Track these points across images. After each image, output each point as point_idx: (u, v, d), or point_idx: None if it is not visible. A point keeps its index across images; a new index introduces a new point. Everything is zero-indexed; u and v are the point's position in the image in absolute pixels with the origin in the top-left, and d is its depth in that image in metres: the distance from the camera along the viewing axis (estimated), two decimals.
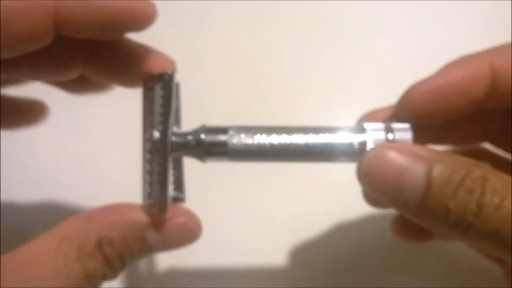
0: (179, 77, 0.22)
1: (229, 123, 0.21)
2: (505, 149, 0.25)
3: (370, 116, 0.24)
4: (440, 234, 0.19)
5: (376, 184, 0.19)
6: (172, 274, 0.28)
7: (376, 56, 0.35)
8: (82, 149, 0.32)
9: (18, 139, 0.31)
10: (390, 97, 0.23)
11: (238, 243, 0.30)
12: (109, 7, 0.19)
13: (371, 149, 0.20)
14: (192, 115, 0.24)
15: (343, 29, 0.36)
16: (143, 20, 0.20)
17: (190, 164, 0.23)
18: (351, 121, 0.25)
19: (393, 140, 0.21)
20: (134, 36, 0.22)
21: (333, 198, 0.30)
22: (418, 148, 0.19)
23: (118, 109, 0.31)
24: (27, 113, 0.28)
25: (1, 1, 0.17)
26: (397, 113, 0.22)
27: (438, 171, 0.18)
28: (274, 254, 0.29)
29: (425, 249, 0.28)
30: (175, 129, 0.22)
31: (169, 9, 0.36)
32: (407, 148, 0.19)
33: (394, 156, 0.19)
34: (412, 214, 0.19)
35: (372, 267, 0.29)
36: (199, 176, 0.25)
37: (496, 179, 0.18)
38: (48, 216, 0.30)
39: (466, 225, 0.18)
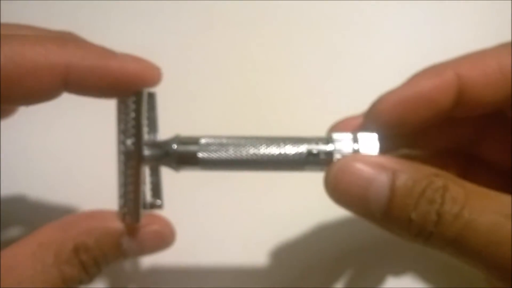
0: (164, 85, 0.23)
1: (219, 131, 0.22)
2: (477, 154, 0.25)
3: (342, 124, 0.24)
4: (407, 241, 0.20)
5: (342, 195, 0.20)
6: (156, 273, 0.29)
7: (370, 63, 0.35)
8: (81, 149, 0.33)
9: (17, 139, 0.32)
10: None
11: (222, 242, 0.30)
12: (116, 71, 0.20)
13: (337, 160, 0.21)
14: (179, 123, 0.24)
15: (335, 34, 0.36)
16: (148, 83, 0.21)
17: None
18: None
19: (359, 151, 0.21)
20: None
21: (317, 198, 0.30)
22: (383, 159, 0.20)
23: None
24: None
25: (17, 57, 0.18)
26: (365, 123, 0.23)
27: (401, 182, 0.18)
28: (258, 253, 0.30)
29: (412, 247, 0.29)
30: (150, 138, 0.23)
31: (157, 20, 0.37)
32: (372, 160, 0.20)
33: (359, 167, 0.19)
34: (379, 224, 0.20)
35: (358, 266, 0.30)
36: (181, 177, 0.26)
37: (457, 188, 0.18)
38: (47, 215, 0.31)
39: (427, 234, 0.18)
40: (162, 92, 0.24)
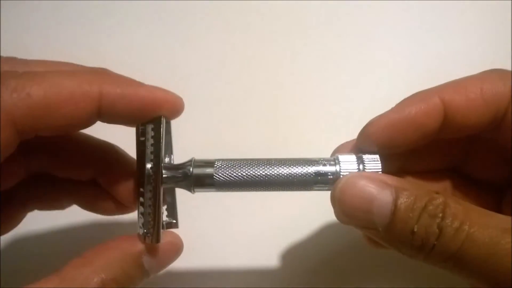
0: None
1: (223, 152, 0.24)
2: (466, 173, 0.27)
3: (343, 147, 0.25)
4: (408, 256, 0.21)
5: (347, 208, 0.21)
6: (167, 276, 0.30)
7: (369, 70, 0.37)
8: None
9: None
10: None
11: (232, 245, 0.32)
12: (146, 97, 0.21)
13: (343, 177, 0.22)
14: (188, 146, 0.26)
15: (336, 48, 0.38)
16: (173, 111, 0.23)
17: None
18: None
19: (364, 170, 0.23)
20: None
21: (324, 204, 0.32)
22: (386, 177, 0.21)
23: None
24: None
25: (56, 87, 0.19)
26: (358, 145, 0.24)
27: (404, 197, 0.20)
28: (265, 255, 0.31)
29: None
30: (166, 162, 0.24)
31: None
32: (376, 177, 0.21)
33: (363, 183, 0.21)
34: (381, 238, 0.21)
35: (365, 266, 0.31)
36: None
37: (456, 205, 0.20)
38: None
39: (429, 247, 0.20)
40: None
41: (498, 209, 0.25)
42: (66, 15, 0.39)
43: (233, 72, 0.37)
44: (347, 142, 0.25)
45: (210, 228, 0.32)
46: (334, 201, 0.22)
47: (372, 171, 0.23)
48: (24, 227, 0.27)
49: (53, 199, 0.26)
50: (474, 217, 0.19)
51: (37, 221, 0.29)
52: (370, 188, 0.21)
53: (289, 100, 0.36)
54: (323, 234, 0.32)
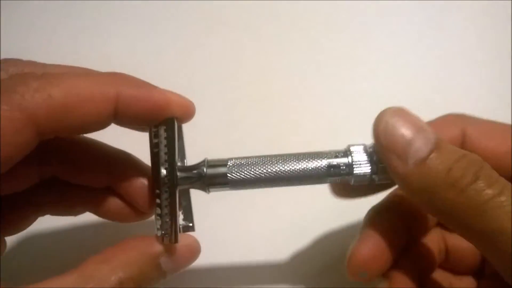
0: None
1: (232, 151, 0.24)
2: None
3: None
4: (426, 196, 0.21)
5: (389, 136, 0.22)
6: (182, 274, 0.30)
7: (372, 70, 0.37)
8: None
9: None
10: None
11: (239, 244, 0.32)
12: (161, 100, 0.22)
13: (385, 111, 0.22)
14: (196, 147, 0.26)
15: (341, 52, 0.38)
16: (186, 114, 0.24)
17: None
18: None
19: (375, 161, 0.23)
20: None
21: (330, 202, 0.31)
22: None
23: None
24: None
25: (75, 88, 0.20)
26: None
27: (446, 141, 0.21)
28: (273, 254, 0.31)
29: None
30: (179, 164, 0.25)
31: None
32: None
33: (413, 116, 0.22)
34: (405, 171, 0.21)
35: None
36: None
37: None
38: None
39: (461, 187, 0.20)
40: None
41: None
42: (67, 15, 0.40)
43: (236, 75, 0.38)
44: None
45: (219, 227, 0.32)
46: (377, 129, 0.22)
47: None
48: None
49: (67, 205, 0.26)
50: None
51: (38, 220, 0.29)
52: (419, 121, 0.22)
53: (295, 100, 0.37)
54: (334, 233, 0.32)
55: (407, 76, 0.37)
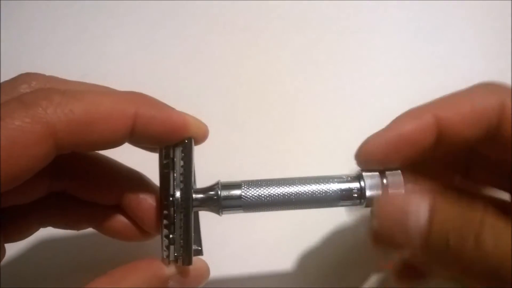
0: None
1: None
2: (473, 181, 0.28)
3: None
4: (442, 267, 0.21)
5: (386, 220, 0.22)
6: None
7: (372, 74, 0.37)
8: None
9: None
10: None
11: (244, 251, 0.32)
12: (178, 121, 0.22)
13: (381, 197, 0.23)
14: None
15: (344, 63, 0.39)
16: (201, 136, 0.24)
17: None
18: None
19: (387, 184, 0.24)
20: None
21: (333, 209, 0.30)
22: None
23: None
24: None
25: (95, 105, 0.20)
26: (356, 162, 0.25)
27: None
28: (277, 261, 0.31)
29: None
30: (194, 186, 0.25)
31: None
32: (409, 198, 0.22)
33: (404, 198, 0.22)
34: (418, 250, 0.21)
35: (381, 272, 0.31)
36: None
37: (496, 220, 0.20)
38: None
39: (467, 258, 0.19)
40: None
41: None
42: (67, 15, 0.39)
43: (235, 82, 0.38)
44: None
45: (224, 235, 0.32)
46: (376, 216, 0.22)
47: (395, 186, 0.24)
48: None
49: (72, 220, 0.25)
50: None
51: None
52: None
53: (295, 105, 0.37)
54: (338, 239, 0.32)
55: (407, 76, 0.37)
